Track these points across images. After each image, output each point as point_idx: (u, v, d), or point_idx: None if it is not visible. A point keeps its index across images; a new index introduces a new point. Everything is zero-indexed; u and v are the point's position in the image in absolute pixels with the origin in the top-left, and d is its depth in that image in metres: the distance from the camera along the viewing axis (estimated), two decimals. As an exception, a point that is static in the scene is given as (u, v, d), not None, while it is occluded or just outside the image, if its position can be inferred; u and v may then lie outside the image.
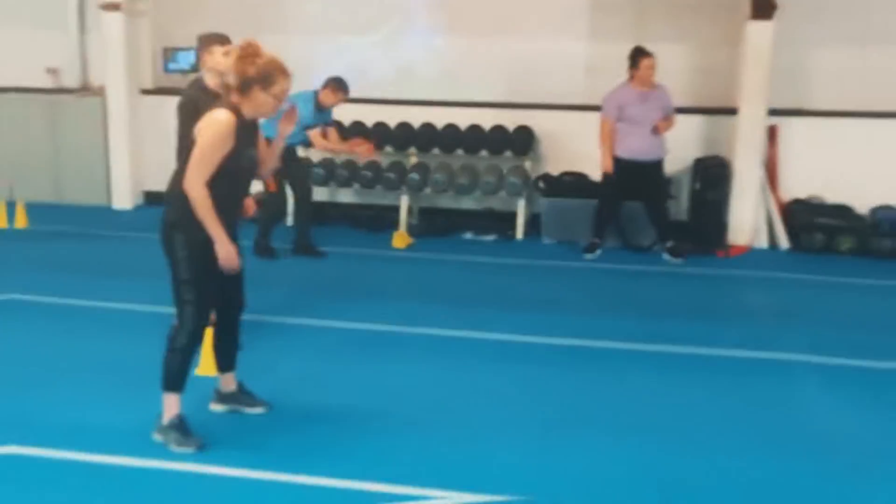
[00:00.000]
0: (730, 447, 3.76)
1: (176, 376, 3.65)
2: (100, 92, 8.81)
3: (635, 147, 6.97)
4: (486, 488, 3.35)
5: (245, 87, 3.48)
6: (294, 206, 7.13)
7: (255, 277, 6.34)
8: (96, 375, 4.43)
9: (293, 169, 6.76)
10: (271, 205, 6.88)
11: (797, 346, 5.09)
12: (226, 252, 3.55)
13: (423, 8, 8.47)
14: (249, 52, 3.49)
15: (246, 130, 3.56)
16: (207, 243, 3.53)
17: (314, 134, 6.72)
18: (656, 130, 6.94)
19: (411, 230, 7.96)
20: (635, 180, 7.08)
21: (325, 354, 4.88)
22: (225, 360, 4.03)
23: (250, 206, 5.32)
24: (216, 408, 4.03)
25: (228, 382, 4.04)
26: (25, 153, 8.92)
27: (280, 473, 3.42)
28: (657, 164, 7.10)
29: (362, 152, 7.11)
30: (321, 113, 6.76)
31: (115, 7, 8.42)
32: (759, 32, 7.42)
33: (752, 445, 3.79)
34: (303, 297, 5.96)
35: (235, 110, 3.51)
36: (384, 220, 8.09)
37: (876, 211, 7.61)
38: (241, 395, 4.05)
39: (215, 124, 3.46)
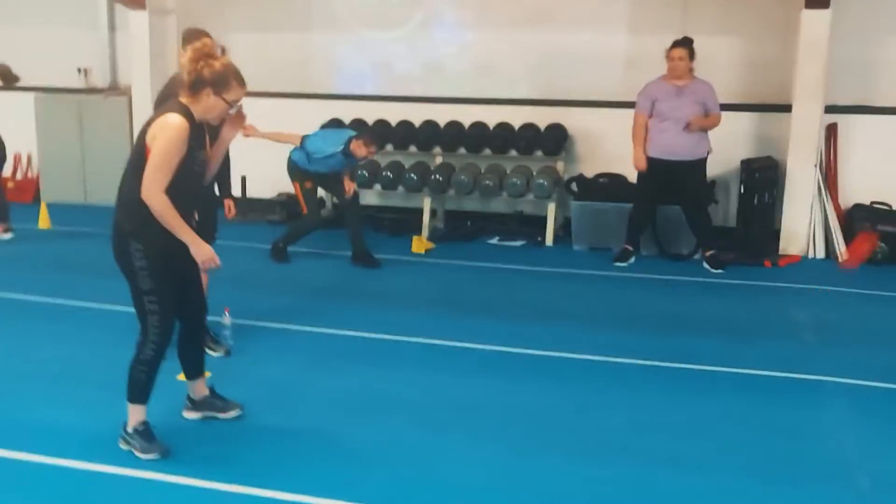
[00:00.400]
0: (727, 469, 3.43)
1: (142, 389, 3.51)
2: (126, 91, 8.70)
3: (667, 145, 6.40)
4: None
5: (196, 87, 3.35)
6: (345, 218, 6.84)
7: (263, 281, 6.21)
8: (79, 377, 4.30)
9: (336, 188, 6.72)
10: (304, 223, 6.80)
11: (834, 368, 4.53)
12: (202, 253, 3.42)
13: (451, 0, 8.05)
14: (204, 53, 3.37)
15: (196, 133, 3.40)
16: (167, 250, 3.38)
17: None
18: (688, 128, 6.34)
19: (435, 234, 7.55)
20: (670, 182, 6.51)
21: (313, 362, 4.60)
22: (192, 368, 3.85)
23: (230, 206, 5.10)
24: (190, 415, 3.86)
25: (199, 389, 3.88)
26: (54, 154, 8.89)
27: (245, 486, 3.22)
28: (694, 165, 6.49)
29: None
30: (348, 158, 6.51)
31: (141, 6, 8.29)
32: (815, 22, 6.74)
33: (750, 469, 3.44)
34: (306, 303, 5.68)
35: (187, 113, 3.34)
36: (407, 223, 7.70)
37: (949, 219, 6.83)
38: (214, 401, 3.88)
39: (169, 129, 3.28)
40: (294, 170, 6.60)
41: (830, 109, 7.04)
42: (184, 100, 3.36)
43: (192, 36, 4.48)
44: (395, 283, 6.26)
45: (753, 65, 7.33)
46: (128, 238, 3.38)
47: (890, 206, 7.03)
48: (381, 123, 7.91)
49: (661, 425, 3.84)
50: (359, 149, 6.45)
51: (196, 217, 3.65)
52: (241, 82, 3.40)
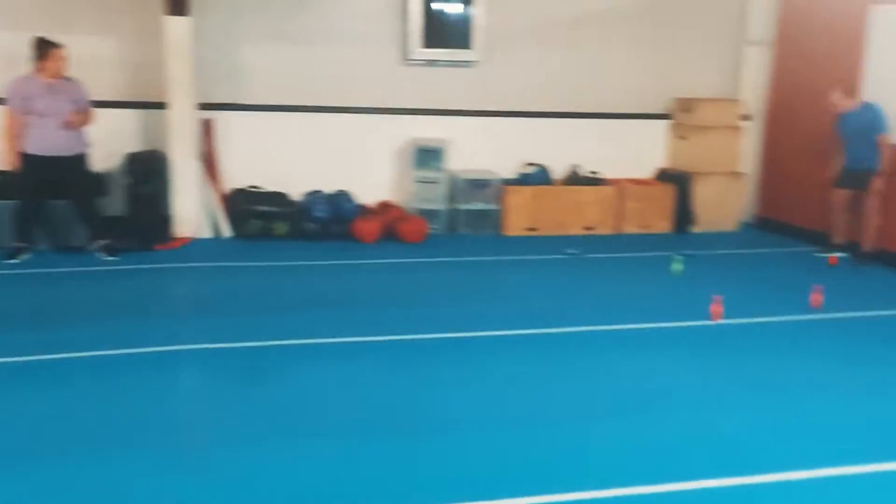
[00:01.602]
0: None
1: None
2: None
3: (46, 142, 6.64)
4: None
5: None
6: None
7: None
8: None
9: None
10: None
11: (193, 336, 5.18)
12: None
13: None
14: None
15: None
16: None
17: None
18: (69, 125, 6.66)
19: None
20: (55, 177, 6.74)
21: None
22: None
23: None
24: None
25: None
26: None
27: None
28: (77, 159, 6.83)
29: None
30: None
31: None
32: (177, 27, 7.53)
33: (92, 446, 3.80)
34: None
35: None
36: None
37: (307, 196, 8.29)
38: None
39: None
40: None
41: (207, 107, 7.95)
42: None
43: None
44: None
45: (132, 65, 7.89)
46: None
47: (262, 189, 8.25)
48: None
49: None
50: None
51: None
52: None
